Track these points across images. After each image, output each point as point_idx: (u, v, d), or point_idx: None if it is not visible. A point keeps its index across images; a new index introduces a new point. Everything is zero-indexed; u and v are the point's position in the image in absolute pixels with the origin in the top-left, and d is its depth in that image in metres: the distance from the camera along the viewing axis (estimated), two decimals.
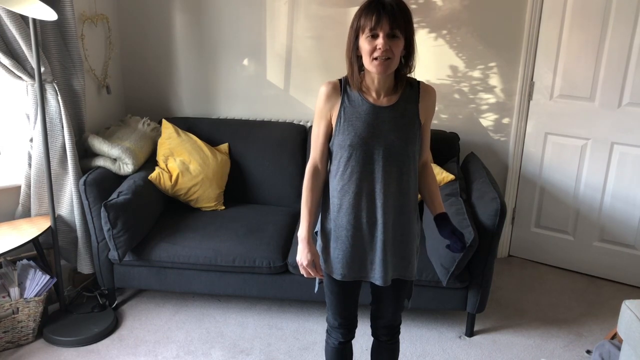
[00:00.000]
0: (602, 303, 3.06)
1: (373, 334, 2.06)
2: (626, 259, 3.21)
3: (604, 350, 2.37)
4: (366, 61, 1.65)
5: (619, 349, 2.23)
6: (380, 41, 1.59)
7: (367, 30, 1.60)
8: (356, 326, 2.01)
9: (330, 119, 1.74)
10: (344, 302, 1.91)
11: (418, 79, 1.81)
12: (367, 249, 1.79)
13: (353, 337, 2.01)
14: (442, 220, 1.83)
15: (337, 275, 1.82)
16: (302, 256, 1.79)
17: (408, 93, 1.74)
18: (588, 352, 2.62)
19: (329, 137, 1.77)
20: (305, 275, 1.84)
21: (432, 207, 1.86)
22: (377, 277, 1.81)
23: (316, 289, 1.97)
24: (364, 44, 1.62)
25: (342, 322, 1.95)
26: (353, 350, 2.07)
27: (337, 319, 1.95)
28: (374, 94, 1.71)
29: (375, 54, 1.60)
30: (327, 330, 2.02)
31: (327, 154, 1.80)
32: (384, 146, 1.70)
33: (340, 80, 1.75)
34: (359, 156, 1.70)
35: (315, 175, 1.80)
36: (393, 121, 1.70)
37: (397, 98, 1.72)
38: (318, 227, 1.88)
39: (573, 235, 3.34)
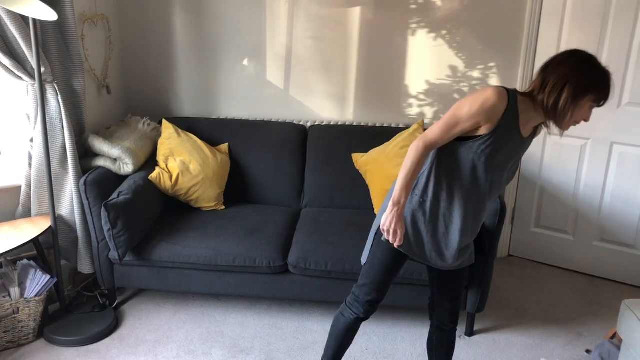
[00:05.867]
0: (602, 303, 3.06)
1: (437, 325, 2.09)
2: (626, 259, 3.22)
3: (603, 349, 2.37)
4: (569, 120, 1.67)
5: (619, 348, 2.23)
6: (589, 114, 1.67)
7: (594, 100, 1.64)
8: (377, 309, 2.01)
9: (480, 126, 1.70)
10: (390, 278, 1.92)
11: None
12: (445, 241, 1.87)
13: (369, 317, 2.00)
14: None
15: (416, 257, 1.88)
16: (397, 223, 1.76)
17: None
18: (588, 351, 2.62)
19: (463, 133, 1.73)
20: (390, 239, 1.80)
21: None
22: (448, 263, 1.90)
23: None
24: (585, 108, 1.65)
25: (376, 297, 1.94)
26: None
27: (371, 295, 1.93)
28: (527, 126, 1.74)
29: (582, 121, 1.68)
30: (346, 303, 2.00)
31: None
32: (503, 171, 1.80)
33: (508, 95, 1.69)
34: (477, 172, 1.76)
35: (427, 154, 1.76)
36: (522, 152, 1.81)
37: (531, 130, 1.78)
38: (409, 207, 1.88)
39: (573, 235, 3.35)
